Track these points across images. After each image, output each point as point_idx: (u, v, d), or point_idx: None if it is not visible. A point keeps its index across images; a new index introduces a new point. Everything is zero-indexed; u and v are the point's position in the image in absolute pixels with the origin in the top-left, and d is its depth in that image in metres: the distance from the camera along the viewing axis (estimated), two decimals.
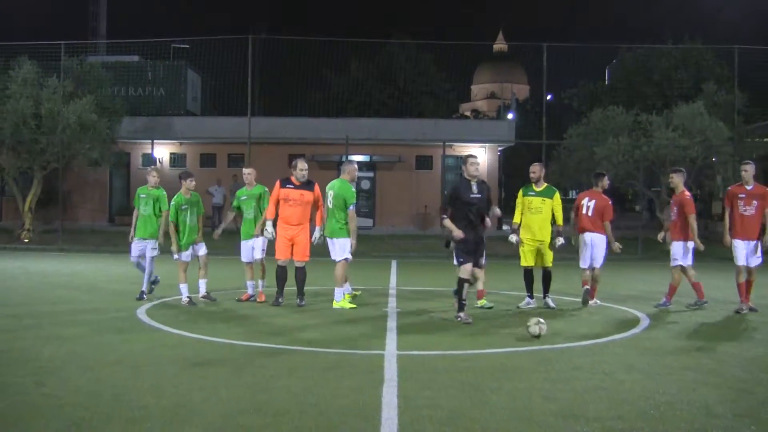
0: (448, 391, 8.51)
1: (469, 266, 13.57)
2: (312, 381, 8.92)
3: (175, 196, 15.39)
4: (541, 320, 12.14)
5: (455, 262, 14.38)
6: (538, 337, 11.90)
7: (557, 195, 15.40)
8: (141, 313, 14.03)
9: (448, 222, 13.58)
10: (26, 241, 32.32)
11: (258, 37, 40.63)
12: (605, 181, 16.23)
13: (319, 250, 16.01)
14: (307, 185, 15.39)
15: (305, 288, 15.49)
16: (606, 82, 56.74)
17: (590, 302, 15.75)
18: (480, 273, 15.06)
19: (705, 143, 32.03)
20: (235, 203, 16.06)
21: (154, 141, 37.34)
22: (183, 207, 15.29)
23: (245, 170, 16.11)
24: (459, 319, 13.37)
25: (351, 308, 14.87)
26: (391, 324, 13.19)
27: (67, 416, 7.37)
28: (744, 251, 15.19)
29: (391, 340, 11.71)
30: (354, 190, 15.15)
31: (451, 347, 11.15)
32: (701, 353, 10.97)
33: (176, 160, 46.93)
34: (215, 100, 52.84)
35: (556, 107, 59.87)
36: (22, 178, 35.58)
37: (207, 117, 51.17)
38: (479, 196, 13.66)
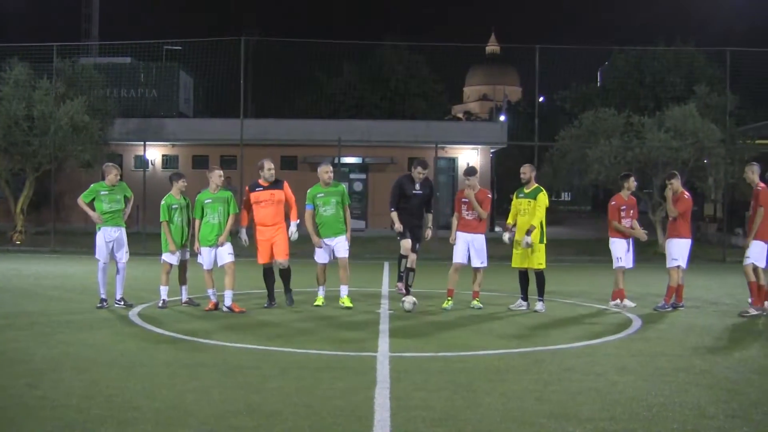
0: (441, 392, 8.53)
1: (408, 242, 15.59)
2: (305, 382, 8.94)
3: (166, 197, 15.33)
4: (416, 301, 14.91)
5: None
6: (409, 311, 14.58)
7: (541, 195, 15.17)
8: (134, 314, 14.04)
9: (394, 215, 15.70)
10: (18, 243, 32.27)
11: (250, 39, 40.63)
12: (629, 183, 16.31)
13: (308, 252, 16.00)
14: (276, 184, 15.40)
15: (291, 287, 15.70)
16: (598, 84, 56.77)
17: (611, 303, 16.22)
18: (479, 276, 15.63)
19: (697, 145, 32.03)
20: (197, 208, 15.09)
21: (147, 143, 37.15)
22: (174, 207, 15.23)
23: (218, 171, 15.31)
24: (398, 290, 15.76)
25: (316, 305, 15.37)
26: (384, 326, 13.22)
27: (60, 418, 7.37)
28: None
29: (384, 341, 11.73)
30: (310, 191, 15.48)
31: (443, 348, 11.16)
32: (693, 354, 11.00)
33: (168, 161, 46.85)
34: (208, 102, 52.78)
35: (548, 109, 59.93)
36: (14, 180, 35.49)
37: (199, 119, 51.09)
38: (421, 192, 15.93)
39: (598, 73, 59.04)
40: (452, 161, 47.21)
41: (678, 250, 15.47)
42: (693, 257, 16.23)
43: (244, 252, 15.40)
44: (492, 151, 48.65)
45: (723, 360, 10.61)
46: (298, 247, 15.74)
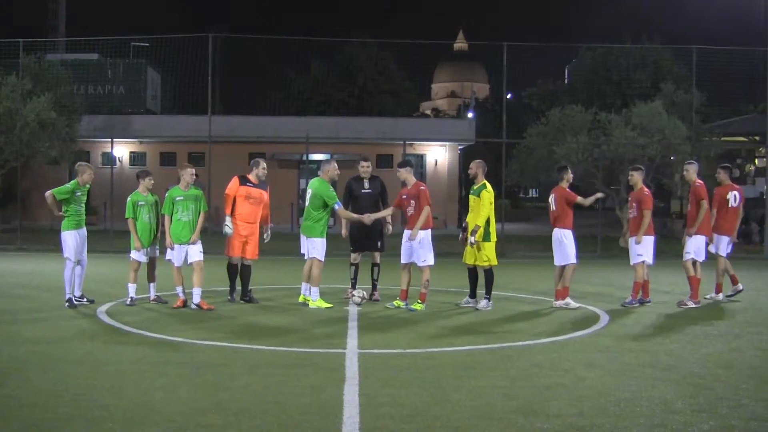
0: (409, 388, 8.55)
1: (355, 254, 16.04)
2: (273, 379, 8.93)
3: (133, 194, 15.24)
4: (364, 296, 15.18)
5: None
6: (358, 305, 14.83)
7: (484, 192, 14.78)
8: (101, 313, 13.95)
9: (346, 213, 15.22)
10: None
11: (218, 36, 40.43)
12: (569, 175, 15.90)
13: (287, 249, 15.99)
14: (263, 185, 15.52)
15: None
16: (565, 81, 57.05)
17: (555, 303, 15.49)
18: (423, 274, 14.97)
19: (663, 142, 32.27)
20: (167, 205, 14.93)
21: (114, 139, 37.00)
22: (140, 204, 15.14)
23: (191, 170, 15.13)
24: (348, 296, 15.48)
25: (327, 308, 14.80)
26: (352, 322, 13.23)
27: (27, 417, 7.33)
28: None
29: (353, 338, 11.74)
30: (332, 190, 14.97)
31: (411, 345, 11.18)
32: (660, 350, 11.07)
33: (136, 158, 46.74)
34: (175, 99, 52.59)
35: (516, 106, 60.12)
36: None
37: (167, 115, 50.94)
38: (370, 191, 15.83)
39: (566, 71, 59.39)
40: (420, 158, 47.30)
41: (642, 246, 15.54)
42: (659, 253, 16.37)
43: (212, 249, 15.36)
44: (460, 147, 48.85)
45: (689, 355, 10.68)
46: (267, 245, 15.74)
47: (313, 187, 15.06)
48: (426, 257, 14.82)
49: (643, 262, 15.53)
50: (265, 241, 15.60)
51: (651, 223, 15.65)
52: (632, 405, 7.96)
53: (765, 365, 10.26)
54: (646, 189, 15.84)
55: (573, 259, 15.53)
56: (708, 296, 16.36)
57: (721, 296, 16.47)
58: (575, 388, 8.67)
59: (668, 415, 7.63)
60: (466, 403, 8.00)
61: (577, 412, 7.69)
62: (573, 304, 15.32)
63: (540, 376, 9.32)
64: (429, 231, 14.91)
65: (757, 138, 44.24)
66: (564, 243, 15.55)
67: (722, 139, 37.86)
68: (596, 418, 7.50)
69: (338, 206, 14.88)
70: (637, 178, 15.83)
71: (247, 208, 15.25)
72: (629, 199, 16.13)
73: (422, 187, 14.98)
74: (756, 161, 46.68)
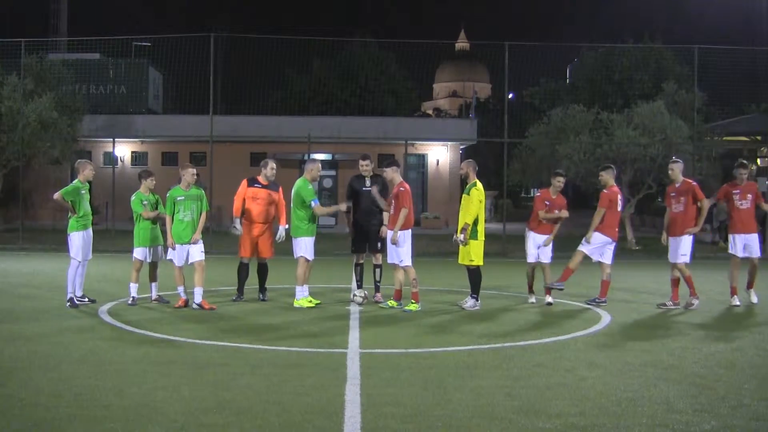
0: (411, 388, 8.55)
1: (357, 255, 15.79)
2: (275, 379, 8.92)
3: (136, 194, 15.24)
4: (366, 295, 15.01)
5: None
6: (360, 304, 14.73)
7: (473, 190, 14.80)
8: (103, 312, 13.95)
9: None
10: None
11: (220, 36, 40.46)
12: (555, 181, 16.22)
13: (284, 249, 16.00)
14: (273, 185, 15.64)
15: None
16: (567, 81, 57.00)
17: (543, 298, 15.84)
18: (400, 274, 15.01)
19: (665, 141, 32.28)
20: (169, 205, 14.84)
21: (116, 139, 37.05)
22: (143, 203, 15.15)
23: (192, 170, 15.03)
24: (354, 296, 15.15)
25: (309, 306, 14.81)
26: (354, 322, 13.22)
27: (28, 417, 7.33)
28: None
29: (354, 337, 11.74)
30: (311, 187, 15.04)
31: (413, 345, 11.18)
32: (661, 349, 11.07)
33: (138, 158, 46.77)
34: (177, 99, 52.59)
35: (517, 106, 60.10)
36: None
37: (169, 115, 50.98)
38: (371, 189, 15.40)
39: (567, 70, 59.30)
40: (422, 158, 47.33)
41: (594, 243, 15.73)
42: (660, 254, 16.35)
43: (214, 249, 15.34)
44: (462, 147, 48.82)
45: (691, 355, 10.67)
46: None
47: (295, 186, 15.12)
48: (403, 258, 14.76)
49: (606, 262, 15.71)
50: (278, 241, 15.61)
51: (612, 225, 15.70)
52: (634, 405, 7.96)
53: (767, 365, 10.26)
54: (615, 188, 15.86)
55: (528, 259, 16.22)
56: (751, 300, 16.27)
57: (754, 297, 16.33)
58: (577, 388, 8.67)
59: (670, 414, 7.63)
60: (467, 402, 8.00)
61: (579, 411, 7.69)
62: (548, 299, 15.81)
63: (541, 375, 9.32)
64: (407, 231, 14.83)
65: (758, 138, 44.21)
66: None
67: (724, 138, 37.82)
68: (598, 417, 7.50)
69: (314, 203, 14.98)
70: (605, 178, 15.89)
71: (256, 209, 15.44)
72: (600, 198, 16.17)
73: (401, 189, 14.88)
74: (758, 161, 46.64)
